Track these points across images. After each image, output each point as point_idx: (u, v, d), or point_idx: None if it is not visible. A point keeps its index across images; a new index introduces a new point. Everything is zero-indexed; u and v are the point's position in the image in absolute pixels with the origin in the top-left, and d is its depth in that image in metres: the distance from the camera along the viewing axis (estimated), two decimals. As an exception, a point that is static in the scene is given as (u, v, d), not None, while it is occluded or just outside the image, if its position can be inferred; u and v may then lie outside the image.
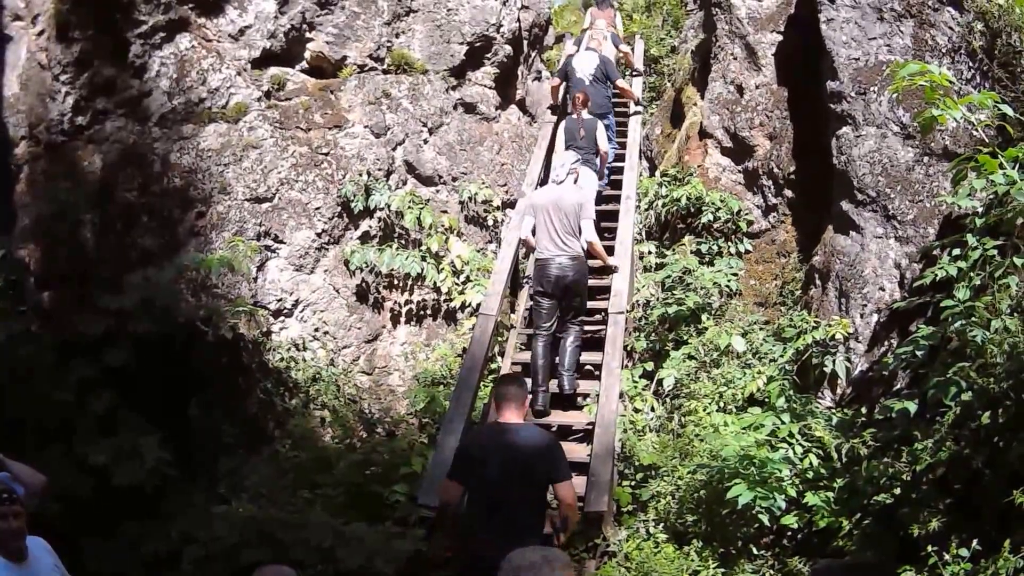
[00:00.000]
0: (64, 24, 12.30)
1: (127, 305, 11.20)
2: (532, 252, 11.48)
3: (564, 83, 15.55)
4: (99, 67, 12.44)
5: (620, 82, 15.47)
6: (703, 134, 14.47)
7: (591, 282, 12.24)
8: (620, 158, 15.08)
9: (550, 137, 14.76)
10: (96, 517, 10.01)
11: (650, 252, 13.64)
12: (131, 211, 12.39)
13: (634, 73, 17.43)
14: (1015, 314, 7.71)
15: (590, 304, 12.14)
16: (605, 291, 12.10)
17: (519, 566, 4.26)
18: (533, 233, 11.17)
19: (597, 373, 10.98)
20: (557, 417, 10.93)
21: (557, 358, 11.21)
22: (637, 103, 16.38)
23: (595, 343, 11.61)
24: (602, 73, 14.83)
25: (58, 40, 12.38)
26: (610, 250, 12.33)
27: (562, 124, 14.00)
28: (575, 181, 11.54)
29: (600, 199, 13.71)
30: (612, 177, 14.72)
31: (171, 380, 11.36)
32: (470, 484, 7.12)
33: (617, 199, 13.72)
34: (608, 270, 11.95)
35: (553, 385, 11.06)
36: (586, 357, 11.64)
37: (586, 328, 11.79)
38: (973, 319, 7.88)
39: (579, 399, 11.23)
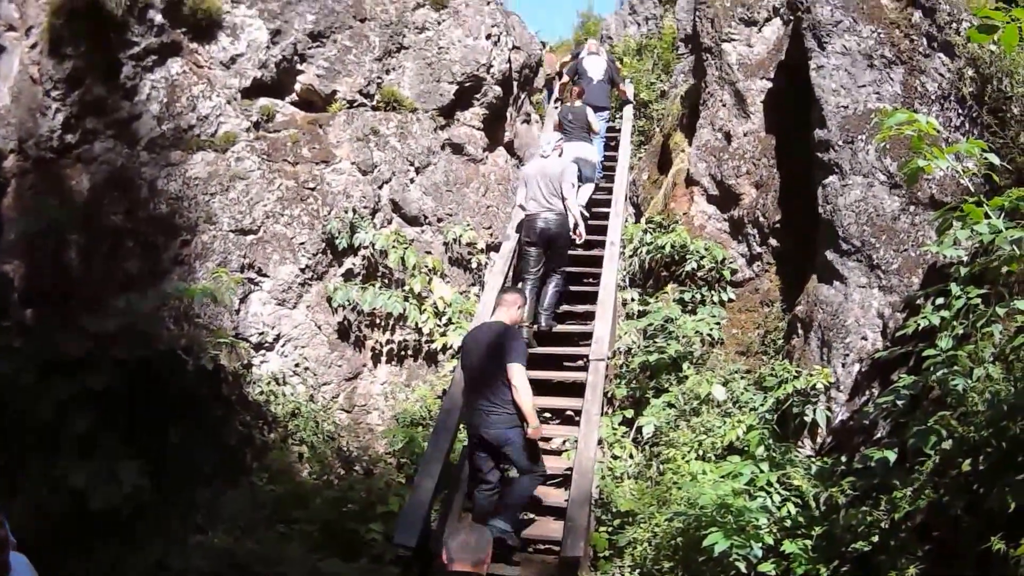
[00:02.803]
0: (57, 39, 12.24)
1: (109, 329, 11.14)
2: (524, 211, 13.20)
3: (571, 81, 18.20)
4: (90, 86, 12.38)
5: (621, 85, 18.68)
6: (690, 181, 14.47)
7: (573, 328, 12.91)
8: (612, 152, 17.87)
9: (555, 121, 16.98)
10: (73, 538, 9.93)
11: (633, 299, 13.65)
12: (116, 234, 12.33)
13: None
14: (997, 362, 7.70)
15: (571, 350, 12.51)
16: (587, 337, 12.14)
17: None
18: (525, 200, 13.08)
19: (577, 419, 11.00)
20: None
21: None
22: (628, 102, 19.13)
23: (575, 389, 11.65)
24: (608, 76, 18.00)
25: (51, 55, 12.31)
26: (593, 296, 12.77)
27: (558, 110, 16.94)
28: (559, 155, 13.49)
29: (586, 244, 14.04)
30: (598, 197, 16.11)
31: (151, 407, 11.28)
32: (465, 367, 9.39)
33: (602, 244, 13.79)
34: (578, 244, 13.59)
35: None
36: (566, 402, 11.81)
37: (566, 375, 12.11)
38: (955, 368, 7.87)
39: (561, 443, 11.28)
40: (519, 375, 8.87)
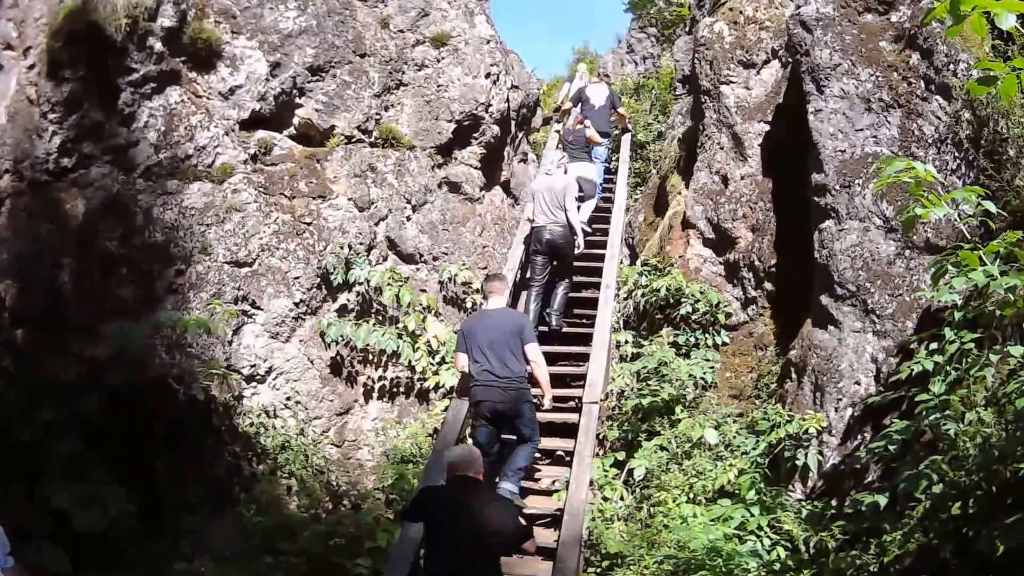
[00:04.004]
0: (55, 61, 12.16)
1: (101, 355, 11.11)
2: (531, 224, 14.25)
3: (575, 106, 19.29)
4: (88, 110, 12.29)
5: (620, 109, 19.73)
6: (686, 224, 14.44)
7: (567, 370, 12.92)
8: (610, 180, 18.81)
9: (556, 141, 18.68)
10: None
11: (627, 342, 13.58)
12: (110, 261, 12.26)
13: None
14: (989, 406, 7.67)
15: (564, 391, 12.43)
16: (580, 378, 12.11)
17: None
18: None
19: (568, 460, 10.96)
20: (527, 502, 10.90)
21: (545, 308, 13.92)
22: (627, 129, 20.37)
23: (567, 430, 11.60)
24: (610, 102, 19.07)
25: (49, 77, 12.21)
26: (587, 338, 12.82)
27: (560, 132, 18.55)
28: (564, 172, 14.53)
29: (580, 285, 14.72)
30: (596, 225, 16.60)
31: (140, 433, 11.23)
32: (469, 350, 10.22)
33: (596, 286, 13.85)
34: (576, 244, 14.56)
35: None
36: (558, 444, 11.77)
37: (558, 416, 11.94)
38: (947, 412, 7.85)
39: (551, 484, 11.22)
40: (538, 352, 10.39)
